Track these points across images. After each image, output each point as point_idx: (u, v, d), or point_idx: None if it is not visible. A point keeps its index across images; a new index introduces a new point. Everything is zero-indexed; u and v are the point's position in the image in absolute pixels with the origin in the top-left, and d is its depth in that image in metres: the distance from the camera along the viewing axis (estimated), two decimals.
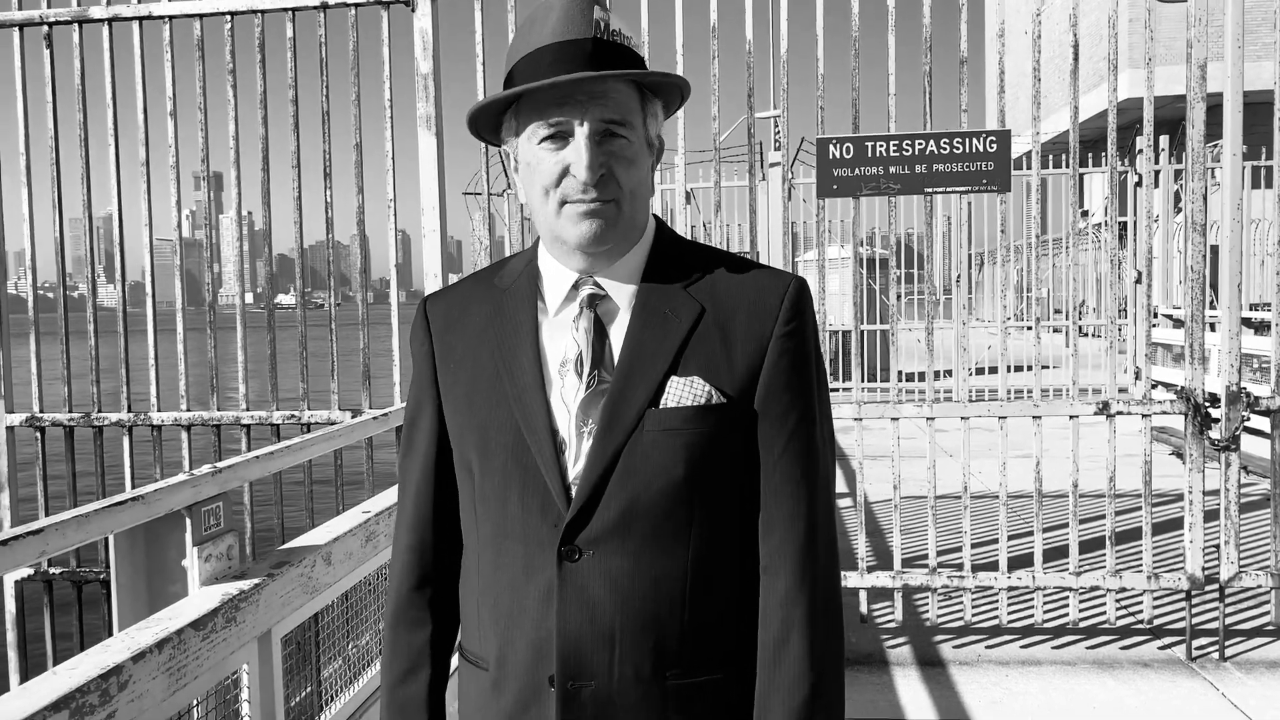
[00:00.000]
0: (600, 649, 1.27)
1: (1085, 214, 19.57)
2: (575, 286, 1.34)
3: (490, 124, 1.36)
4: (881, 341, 14.42)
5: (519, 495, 1.30)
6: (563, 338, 1.34)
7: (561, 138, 1.26)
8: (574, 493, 1.28)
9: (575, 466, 1.29)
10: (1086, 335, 15.58)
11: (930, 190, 4.26)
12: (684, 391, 1.28)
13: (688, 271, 1.35)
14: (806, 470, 1.32)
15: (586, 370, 1.31)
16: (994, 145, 4.23)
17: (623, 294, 1.34)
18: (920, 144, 4.25)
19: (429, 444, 1.42)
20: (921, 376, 14.01)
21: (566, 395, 1.31)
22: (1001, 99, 4.33)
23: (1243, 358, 4.27)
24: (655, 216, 1.41)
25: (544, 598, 1.28)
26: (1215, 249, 13.84)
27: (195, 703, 2.04)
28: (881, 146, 4.26)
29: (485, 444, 1.33)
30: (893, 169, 4.26)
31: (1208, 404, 4.20)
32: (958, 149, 4.23)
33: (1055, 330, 15.63)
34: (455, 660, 1.46)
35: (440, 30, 4.41)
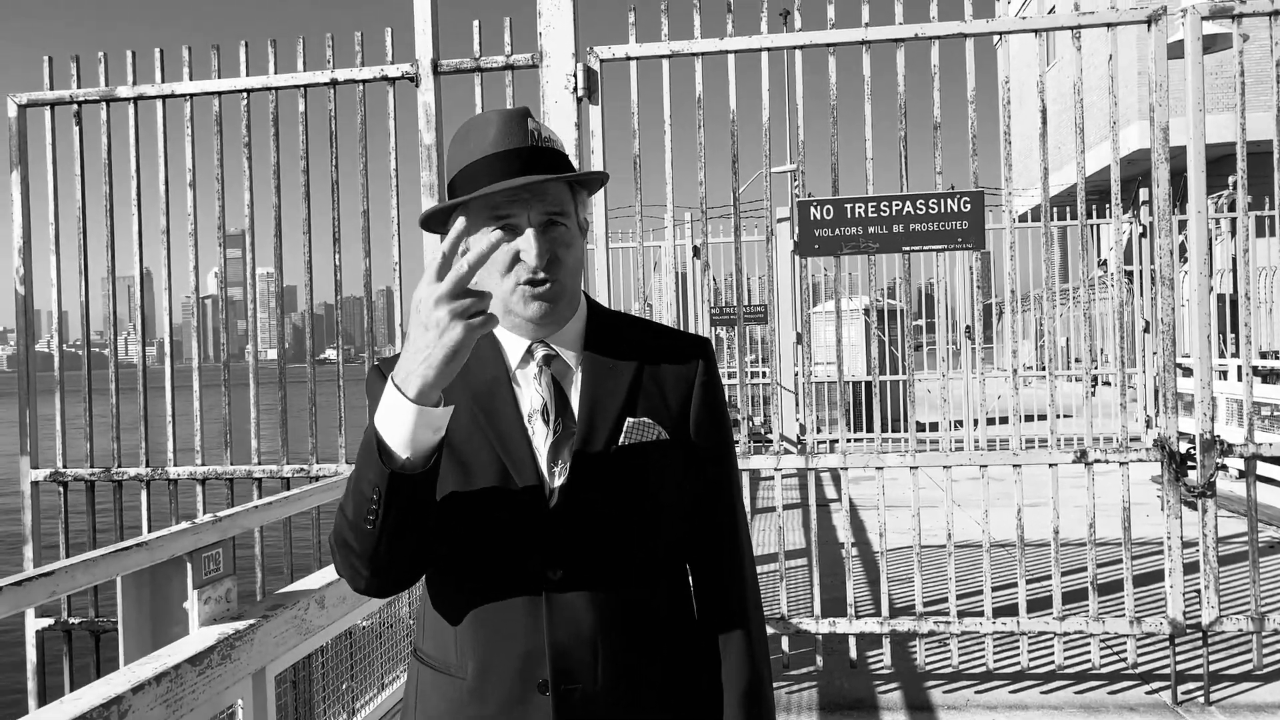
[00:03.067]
0: (586, 656, 1.49)
1: (1104, 264, 19.67)
2: (529, 351, 1.57)
3: (439, 220, 1.57)
4: (893, 391, 14.51)
5: (503, 527, 1.50)
6: (525, 394, 1.57)
7: (510, 229, 1.49)
8: (554, 522, 1.50)
9: (551, 500, 1.51)
10: (1109, 384, 15.61)
11: (908, 249, 4.46)
12: (640, 431, 1.54)
13: (620, 335, 1.62)
14: (733, 494, 1.64)
15: (552, 418, 1.54)
16: (968, 205, 4.43)
17: (570, 355, 1.58)
18: (897, 205, 4.45)
19: None
20: (935, 427, 14.09)
21: (536, 441, 1.54)
22: (975, 160, 4.53)
23: (1255, 405, 4.40)
24: (584, 293, 1.66)
25: (530, 614, 1.49)
26: (1222, 297, 13.93)
27: None
28: (860, 208, 4.47)
29: (468, 479, 1.51)
30: (871, 229, 4.46)
31: (1182, 451, 4.32)
32: (933, 209, 4.43)
33: (1075, 379, 15.67)
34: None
35: (443, 104, 4.69)
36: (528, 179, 1.45)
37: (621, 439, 1.52)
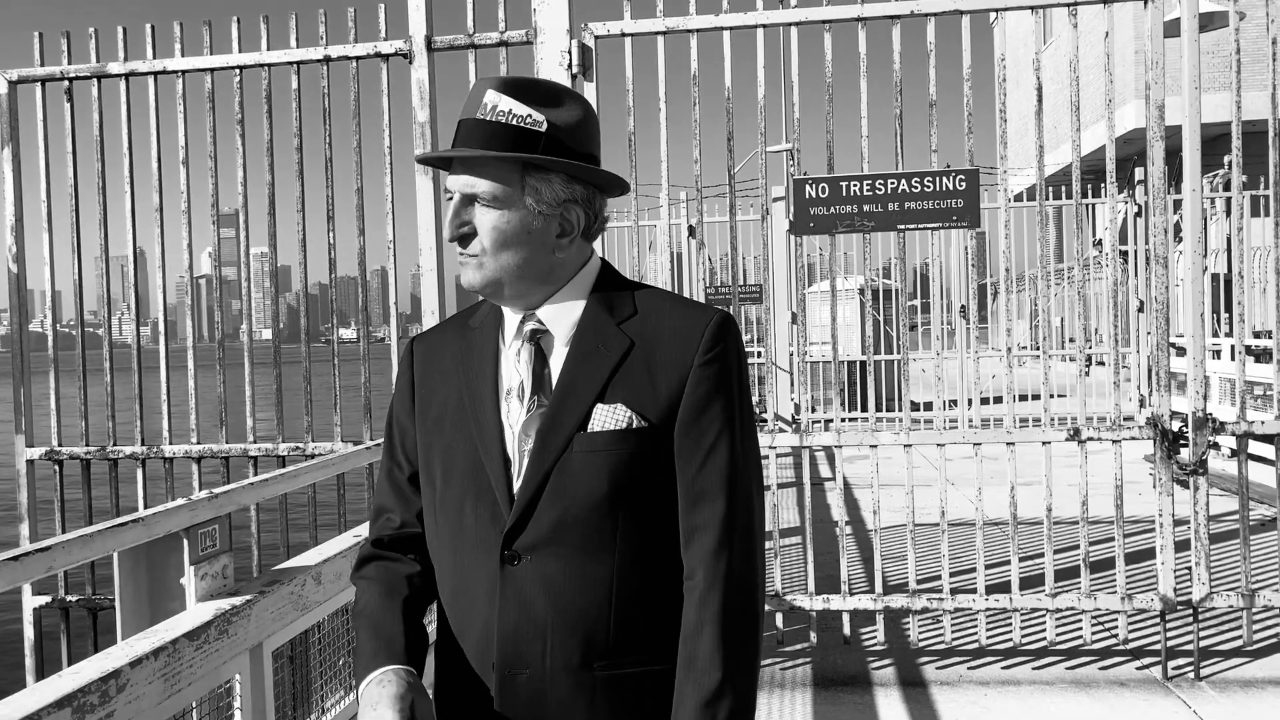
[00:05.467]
0: (534, 641, 1.45)
1: (1099, 244, 19.68)
2: (523, 322, 1.54)
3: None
4: (888, 371, 14.54)
5: (473, 506, 1.50)
6: (510, 368, 1.54)
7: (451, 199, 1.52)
8: (513, 503, 1.47)
9: (518, 482, 1.48)
10: (1103, 364, 15.67)
11: (903, 227, 4.45)
12: (607, 417, 1.46)
13: (622, 309, 1.53)
14: (722, 485, 1.48)
15: (527, 396, 1.51)
16: (963, 184, 4.42)
17: (561, 330, 1.53)
18: (893, 183, 4.45)
19: (409, 459, 1.63)
20: (929, 406, 14.14)
21: (511, 418, 1.51)
22: (970, 139, 4.52)
23: (1247, 385, 4.43)
24: (602, 260, 1.61)
25: (489, 595, 1.48)
26: (1216, 277, 13.95)
27: (192, 706, 2.22)
28: (855, 186, 4.46)
29: (449, 460, 1.54)
30: (867, 207, 4.45)
31: (1174, 429, 4.34)
32: (929, 187, 4.43)
33: (1069, 359, 15.74)
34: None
35: (436, 80, 4.67)
36: (441, 153, 1.51)
37: (589, 425, 1.46)
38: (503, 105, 1.47)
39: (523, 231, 1.50)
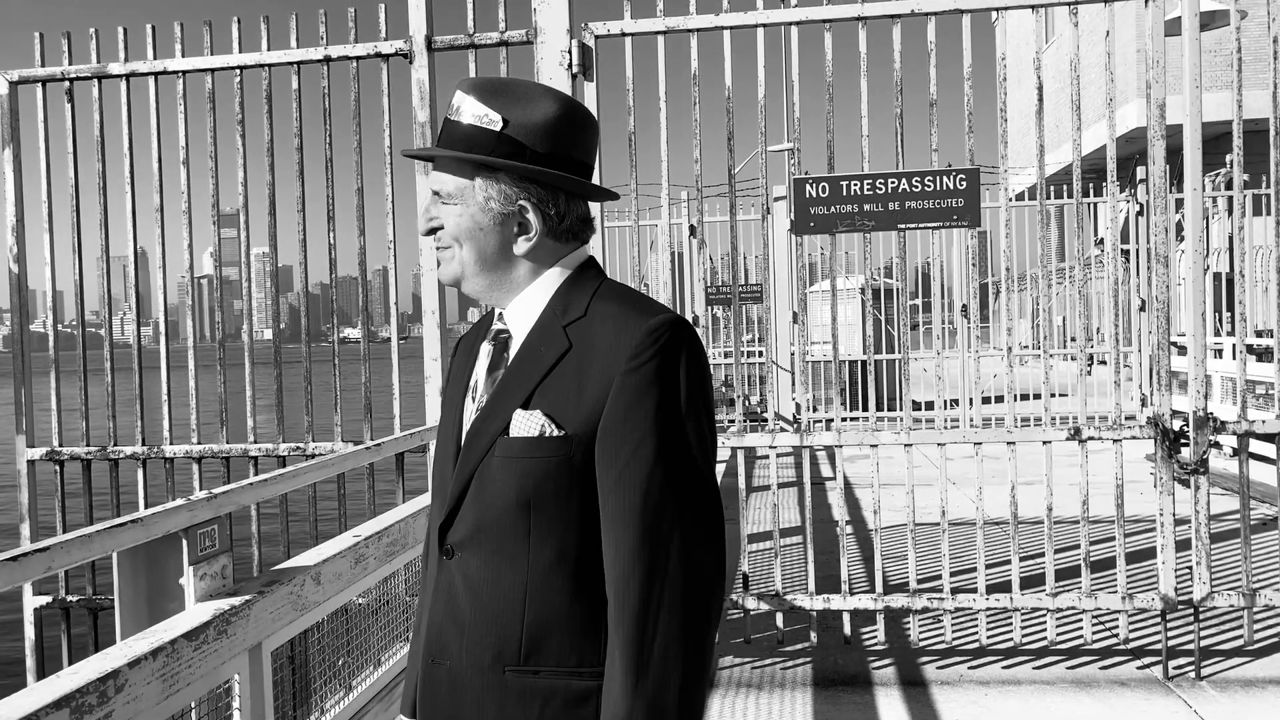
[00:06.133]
0: (453, 635, 1.50)
1: (1100, 243, 19.67)
2: (495, 322, 1.59)
3: None
4: (889, 370, 14.53)
5: (436, 499, 1.59)
6: (475, 368, 1.60)
7: None
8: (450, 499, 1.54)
9: (453, 479, 1.55)
10: (1104, 363, 15.66)
11: (904, 226, 4.45)
12: (523, 424, 1.44)
13: (574, 310, 1.49)
14: (636, 505, 1.39)
15: (477, 397, 1.55)
16: (964, 183, 4.42)
17: (519, 330, 1.53)
18: (893, 182, 4.44)
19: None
20: (930, 405, 14.13)
21: (465, 419, 1.56)
22: (971, 138, 4.52)
23: (1247, 383, 4.42)
24: (588, 258, 1.57)
25: (434, 585, 1.56)
26: (1219, 276, 13.94)
27: (191, 707, 2.22)
28: (856, 185, 4.46)
29: (434, 459, 1.63)
30: (867, 206, 4.45)
31: (1175, 428, 4.33)
32: (929, 186, 4.43)
33: (1070, 358, 15.73)
34: None
35: (436, 80, 4.66)
36: (407, 152, 1.62)
37: (510, 430, 1.45)
38: (465, 105, 1.49)
39: (475, 228, 1.51)
